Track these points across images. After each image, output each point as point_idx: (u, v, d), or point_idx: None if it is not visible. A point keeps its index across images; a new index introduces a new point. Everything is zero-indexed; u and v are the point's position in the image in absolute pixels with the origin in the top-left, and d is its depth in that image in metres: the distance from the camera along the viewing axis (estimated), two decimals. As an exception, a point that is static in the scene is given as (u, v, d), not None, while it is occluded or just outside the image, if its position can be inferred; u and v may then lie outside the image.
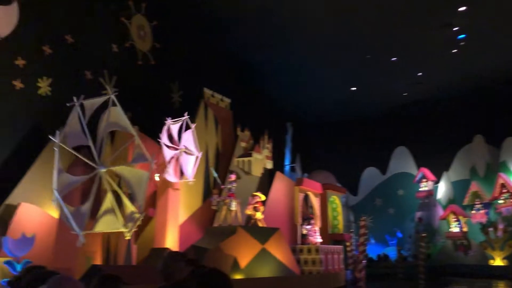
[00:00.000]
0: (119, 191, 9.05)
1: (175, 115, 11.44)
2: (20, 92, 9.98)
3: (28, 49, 10.22)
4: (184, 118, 11.20)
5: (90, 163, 8.59)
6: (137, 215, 8.67)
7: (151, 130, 11.80)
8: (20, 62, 10.03)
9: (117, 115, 8.86)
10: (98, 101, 8.85)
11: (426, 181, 21.25)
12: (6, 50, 9.62)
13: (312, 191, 13.85)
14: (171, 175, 10.62)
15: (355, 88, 20.52)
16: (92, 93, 9.23)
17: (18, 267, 6.92)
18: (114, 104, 8.86)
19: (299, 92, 19.78)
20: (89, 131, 8.70)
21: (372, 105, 21.75)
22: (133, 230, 8.60)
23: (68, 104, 8.38)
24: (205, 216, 12.54)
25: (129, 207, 8.77)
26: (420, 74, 19.23)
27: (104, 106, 9.04)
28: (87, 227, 7.81)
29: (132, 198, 8.96)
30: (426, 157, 21.83)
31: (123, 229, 8.42)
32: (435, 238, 19.58)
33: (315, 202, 13.92)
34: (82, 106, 8.65)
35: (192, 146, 11.27)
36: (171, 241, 10.51)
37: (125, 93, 9.94)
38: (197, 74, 15.32)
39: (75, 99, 8.65)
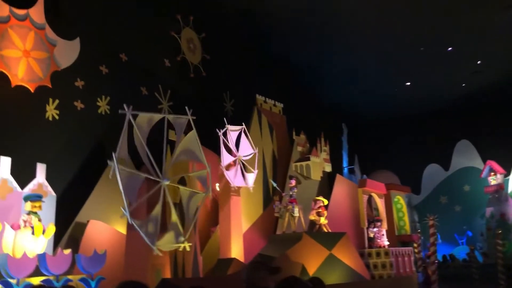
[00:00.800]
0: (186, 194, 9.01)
1: (229, 124, 11.39)
2: (81, 112, 10.25)
3: (86, 70, 10.50)
4: (240, 127, 11.18)
5: (153, 177, 8.63)
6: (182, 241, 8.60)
7: (207, 141, 11.83)
8: (79, 83, 10.32)
9: (191, 142, 8.87)
10: (156, 117, 8.88)
11: (495, 175, 20.01)
12: (66, 72, 9.91)
13: (376, 192, 13.34)
14: (232, 182, 10.56)
15: (409, 83, 19.77)
16: (148, 108, 9.32)
17: (93, 284, 6.99)
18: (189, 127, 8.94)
19: (352, 92, 19.30)
20: (146, 143, 8.77)
21: (429, 99, 20.85)
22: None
23: (120, 111, 8.39)
24: (267, 224, 12.37)
25: (194, 202, 8.74)
26: (479, 62, 18.23)
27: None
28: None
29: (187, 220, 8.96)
30: (492, 149, 20.62)
31: (186, 244, 8.39)
32: (510, 234, 18.38)
33: (380, 203, 13.39)
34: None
35: (248, 151, 11.22)
36: (236, 251, 10.39)
37: (179, 105, 10.00)
38: (248, 82, 15.28)
39: (125, 107, 8.67)
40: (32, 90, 9.02)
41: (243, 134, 11.29)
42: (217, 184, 11.35)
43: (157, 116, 8.74)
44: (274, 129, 13.88)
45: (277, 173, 13.31)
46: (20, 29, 8.87)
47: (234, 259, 9.82)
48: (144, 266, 8.20)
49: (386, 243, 12.34)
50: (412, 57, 17.37)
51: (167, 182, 8.64)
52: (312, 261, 10.07)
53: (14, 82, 8.73)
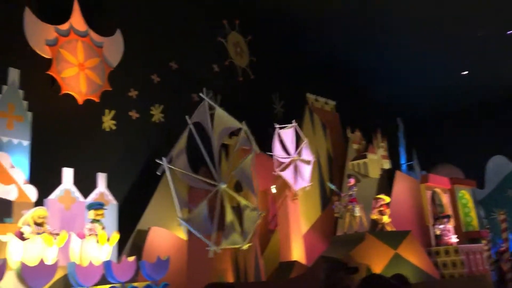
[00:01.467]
0: (241, 204, 8.94)
1: (280, 125, 11.21)
2: (136, 122, 10.41)
3: (138, 80, 10.69)
4: (292, 125, 10.97)
5: (210, 181, 8.59)
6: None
7: (259, 143, 11.70)
8: (133, 93, 10.49)
9: (221, 118, 8.81)
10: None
11: None
12: (120, 83, 10.09)
13: (440, 187, 12.68)
14: (289, 183, 10.36)
15: (467, 72, 18.76)
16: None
17: (158, 290, 6.97)
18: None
19: (406, 85, 18.56)
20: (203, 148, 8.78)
21: (489, 88, 19.67)
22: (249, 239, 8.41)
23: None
24: (326, 225, 12.03)
25: (250, 219, 8.64)
26: (543, 44, 17.00)
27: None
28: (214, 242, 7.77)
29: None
30: (562, 137, 19.21)
31: (244, 245, 8.28)
32: None
33: (445, 199, 12.72)
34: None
35: (305, 152, 10.97)
36: (297, 253, 10.14)
37: (230, 110, 9.94)
38: (297, 81, 15.03)
39: (187, 119, 8.74)
40: (97, 100, 9.26)
41: (296, 134, 11.07)
42: (273, 187, 11.16)
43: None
44: (327, 128, 13.53)
45: (333, 173, 12.95)
46: (69, 45, 9.09)
47: (296, 261, 9.58)
48: (206, 271, 8.12)
49: (455, 240, 11.67)
50: (468, 44, 16.46)
51: (224, 186, 8.57)
52: (377, 261, 9.65)
53: (81, 99, 8.99)
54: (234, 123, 8.89)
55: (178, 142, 8.66)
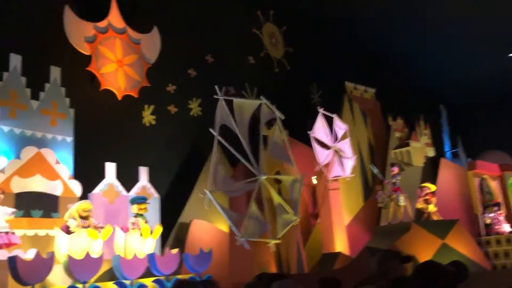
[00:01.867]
0: (279, 199, 8.82)
1: (319, 116, 10.99)
2: (175, 116, 10.46)
3: (175, 75, 10.72)
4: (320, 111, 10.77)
5: (250, 180, 8.48)
6: (294, 220, 8.36)
7: (298, 135, 11.57)
8: (171, 88, 10.54)
9: (240, 107, 8.66)
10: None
11: None
12: (158, 79, 10.16)
13: (489, 174, 12.13)
14: (330, 174, 10.16)
15: (513, 54, 17.86)
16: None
17: (201, 282, 6.97)
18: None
19: (448, 70, 17.87)
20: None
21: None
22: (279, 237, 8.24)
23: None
24: (369, 216, 11.75)
25: (289, 214, 8.49)
26: None
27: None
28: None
29: (292, 205, 8.71)
30: None
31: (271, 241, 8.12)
32: None
33: (494, 186, 12.16)
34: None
35: (344, 143, 10.73)
36: (340, 245, 9.95)
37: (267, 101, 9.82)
38: (335, 70, 14.71)
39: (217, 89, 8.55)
40: (136, 95, 9.35)
41: (336, 123, 10.84)
42: (313, 177, 11.00)
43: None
44: (368, 116, 13.20)
45: (374, 162, 12.61)
46: (107, 42, 9.20)
47: (339, 253, 9.40)
48: (249, 263, 8.08)
49: (507, 229, 11.13)
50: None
51: (264, 177, 8.45)
52: (423, 251, 9.32)
53: (120, 94, 9.11)
54: (253, 103, 8.66)
55: (211, 161, 8.40)
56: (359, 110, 13.10)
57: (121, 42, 9.45)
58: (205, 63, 11.69)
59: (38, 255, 5.21)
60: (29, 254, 5.46)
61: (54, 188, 7.18)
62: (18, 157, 6.91)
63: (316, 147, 10.24)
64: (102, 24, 9.23)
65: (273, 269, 8.51)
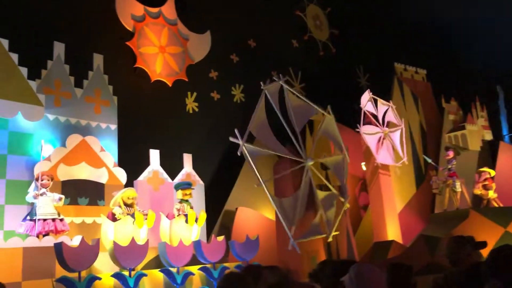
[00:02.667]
0: (329, 185, 8.48)
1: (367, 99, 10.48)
2: (218, 103, 10.27)
3: (218, 61, 10.52)
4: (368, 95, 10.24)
5: (296, 157, 8.19)
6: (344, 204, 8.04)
7: (345, 119, 11.14)
8: (213, 74, 10.35)
9: (330, 125, 8.34)
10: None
11: None
12: (201, 65, 9.99)
13: (553, 157, 11.25)
14: (380, 159, 9.67)
15: None
16: (281, 91, 8.86)
17: (249, 271, 6.75)
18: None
19: (505, 48, 16.74)
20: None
21: None
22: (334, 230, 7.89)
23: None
24: (422, 203, 11.16)
25: (334, 206, 8.15)
26: None
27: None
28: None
29: (341, 191, 8.34)
30: None
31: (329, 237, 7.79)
32: None
33: (561, 169, 11.26)
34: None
35: (394, 127, 10.21)
36: (393, 233, 9.48)
37: (311, 86, 9.45)
38: (383, 51, 14.06)
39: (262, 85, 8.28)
40: (170, 84, 9.23)
41: (388, 110, 10.32)
42: (363, 163, 10.54)
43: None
44: (419, 98, 12.52)
45: (427, 147, 11.98)
46: (154, 27, 9.11)
47: (393, 241, 8.94)
48: (298, 253, 7.79)
49: None
50: None
51: (311, 163, 8.12)
52: (484, 240, 8.73)
53: (153, 77, 9.00)
54: (340, 141, 8.31)
55: (254, 114, 8.17)
56: (410, 92, 12.44)
57: (169, 32, 9.38)
58: (248, 48, 11.44)
59: (83, 241, 5.13)
60: (75, 241, 5.41)
61: (100, 175, 7.15)
62: (63, 145, 6.91)
63: (370, 142, 9.72)
64: (154, 10, 9.20)
65: (322, 257, 8.18)
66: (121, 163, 7.53)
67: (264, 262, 7.36)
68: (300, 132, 8.58)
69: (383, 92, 11.25)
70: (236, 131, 7.70)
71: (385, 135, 10.02)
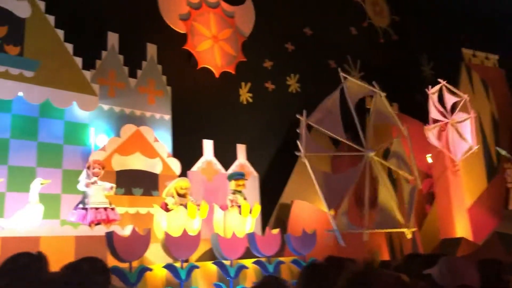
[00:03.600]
0: (400, 172, 7.93)
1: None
2: (273, 93, 9.96)
3: (272, 50, 10.21)
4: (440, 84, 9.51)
5: (356, 146, 7.73)
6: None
7: (408, 109, 10.51)
8: (267, 64, 10.06)
9: (382, 104, 7.85)
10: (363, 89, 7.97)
11: None
12: (255, 55, 9.72)
13: None
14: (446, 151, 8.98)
15: None
16: (339, 81, 8.41)
17: (305, 266, 6.39)
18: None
19: None
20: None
21: None
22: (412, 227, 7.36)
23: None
24: (495, 198, 10.26)
25: (406, 195, 7.59)
26: None
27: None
28: (367, 224, 6.89)
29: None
30: None
31: (404, 229, 7.26)
32: None
33: None
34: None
35: (461, 114, 9.45)
36: (462, 229, 8.77)
37: (371, 76, 8.92)
38: (449, 37, 13.15)
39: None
40: (233, 72, 9.04)
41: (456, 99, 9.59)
42: (428, 156, 9.85)
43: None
44: (490, 86, 11.55)
45: (500, 138, 11.02)
46: (201, 18, 8.94)
47: (462, 238, 8.26)
48: (358, 247, 7.33)
49: None
50: None
51: (372, 153, 7.62)
52: None
53: (218, 72, 8.84)
54: (395, 119, 7.82)
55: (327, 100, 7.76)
56: (479, 80, 11.51)
57: (215, 17, 9.15)
58: (304, 36, 11.03)
59: (134, 231, 5.01)
60: (127, 231, 5.30)
61: (154, 166, 7.07)
62: (118, 135, 6.88)
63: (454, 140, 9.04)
64: (195, 0, 9.00)
65: (385, 253, 7.69)
66: (175, 153, 7.42)
67: (322, 257, 6.98)
68: (361, 122, 8.15)
69: (449, 81, 10.47)
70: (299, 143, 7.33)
71: (452, 125, 9.29)
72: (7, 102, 6.07)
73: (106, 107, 7.01)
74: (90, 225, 5.44)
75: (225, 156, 7.74)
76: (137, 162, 6.92)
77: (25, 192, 6.00)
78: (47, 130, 6.39)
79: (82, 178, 5.74)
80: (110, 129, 6.97)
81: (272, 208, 8.53)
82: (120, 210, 6.58)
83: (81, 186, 5.64)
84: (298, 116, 7.18)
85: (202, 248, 6.57)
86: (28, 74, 6.02)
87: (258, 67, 9.90)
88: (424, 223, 9.60)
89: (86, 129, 6.76)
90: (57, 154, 6.41)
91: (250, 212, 6.50)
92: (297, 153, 6.87)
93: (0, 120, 6.02)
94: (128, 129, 6.94)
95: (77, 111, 6.63)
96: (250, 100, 9.49)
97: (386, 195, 7.36)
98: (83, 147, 6.64)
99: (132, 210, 6.74)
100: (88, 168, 5.78)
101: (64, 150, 6.46)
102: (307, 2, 11.22)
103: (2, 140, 6.01)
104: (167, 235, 5.31)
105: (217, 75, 8.82)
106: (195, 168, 7.32)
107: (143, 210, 6.81)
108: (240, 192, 6.66)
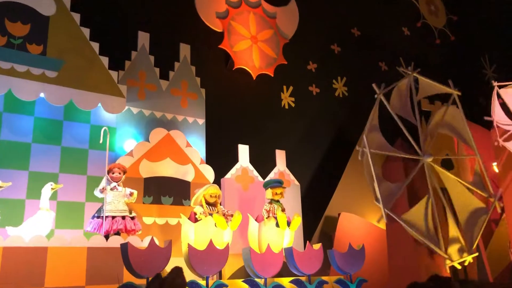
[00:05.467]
0: (462, 187, 7.03)
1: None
2: (317, 97, 9.24)
3: (316, 52, 9.53)
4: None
5: (410, 156, 6.86)
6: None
7: (468, 114, 9.45)
8: (312, 66, 9.37)
9: (455, 118, 7.04)
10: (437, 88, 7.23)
11: None
12: (298, 56, 9.08)
13: None
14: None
15: None
16: (388, 84, 7.62)
17: (352, 287, 5.57)
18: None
19: None
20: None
21: None
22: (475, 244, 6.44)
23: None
24: None
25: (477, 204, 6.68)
26: None
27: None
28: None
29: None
30: None
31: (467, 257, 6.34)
32: None
33: None
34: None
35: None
36: (538, 249, 7.58)
37: (428, 77, 8.03)
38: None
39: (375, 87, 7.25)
40: (272, 74, 8.44)
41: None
42: (494, 164, 8.73)
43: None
44: None
45: None
46: (240, 17, 8.41)
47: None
48: (413, 268, 6.42)
49: None
50: None
51: (429, 159, 6.74)
52: None
53: (255, 73, 8.27)
54: (469, 139, 7.05)
55: (369, 120, 7.15)
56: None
57: (255, 17, 8.59)
58: (351, 37, 10.27)
59: (153, 243, 4.43)
60: (145, 243, 4.74)
61: (185, 173, 6.52)
62: (147, 139, 6.40)
63: (498, 121, 8.02)
64: None
65: (445, 275, 6.68)
66: (209, 159, 6.85)
67: (372, 278, 6.13)
68: (412, 126, 7.34)
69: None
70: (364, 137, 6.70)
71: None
72: (29, 104, 5.75)
73: (135, 110, 6.57)
74: (106, 236, 4.90)
75: (263, 163, 7.07)
76: (167, 168, 6.39)
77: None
78: (71, 134, 6.01)
79: (102, 184, 5.25)
80: (139, 133, 6.51)
81: (316, 221, 7.75)
82: (147, 220, 6.09)
83: (96, 192, 5.14)
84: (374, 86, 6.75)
85: (236, 265, 5.94)
86: (51, 74, 5.68)
87: (301, 70, 9.24)
88: (491, 241, 8.46)
89: (113, 133, 6.33)
90: (82, 159, 6.00)
91: (289, 225, 5.79)
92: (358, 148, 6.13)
93: (22, 123, 5.69)
94: (158, 133, 6.44)
95: (104, 114, 6.23)
96: (292, 104, 8.81)
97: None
98: (110, 152, 6.20)
99: (161, 221, 6.20)
100: (108, 172, 5.29)
101: (89, 155, 6.05)
102: (354, 2, 10.49)
103: (24, 144, 5.67)
104: (190, 248, 4.69)
105: (254, 77, 8.22)
106: (229, 175, 6.70)
107: (173, 221, 6.25)
108: (277, 201, 5.97)
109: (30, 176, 5.59)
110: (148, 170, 6.27)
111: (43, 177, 5.65)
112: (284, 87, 8.84)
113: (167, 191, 6.36)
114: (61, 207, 5.72)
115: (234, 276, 5.83)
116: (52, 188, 4.94)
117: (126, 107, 6.41)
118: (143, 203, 6.12)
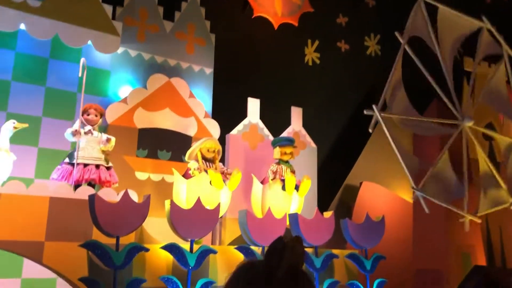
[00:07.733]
0: (490, 165, 5.98)
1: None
2: (346, 55, 8.28)
3: (349, 4, 8.52)
4: None
5: (446, 121, 5.87)
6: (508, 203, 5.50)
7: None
8: (342, 20, 8.38)
9: (448, 22, 5.91)
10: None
11: None
12: (325, 7, 8.09)
13: None
14: None
15: None
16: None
17: (367, 264, 4.77)
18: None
19: None
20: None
21: None
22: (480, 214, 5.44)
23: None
24: None
25: (502, 191, 5.64)
26: None
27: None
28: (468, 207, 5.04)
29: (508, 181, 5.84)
30: None
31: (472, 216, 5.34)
32: None
33: None
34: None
35: None
36: None
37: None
38: None
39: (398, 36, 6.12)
40: (296, 24, 7.52)
41: None
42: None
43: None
44: None
45: None
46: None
47: None
48: (443, 247, 5.55)
49: None
50: None
51: (469, 123, 5.74)
52: None
53: (277, 22, 7.38)
54: (471, 23, 5.90)
55: (390, 76, 6.08)
56: None
57: (278, -42, 7.64)
58: (389, -12, 9.16)
59: (126, 196, 3.73)
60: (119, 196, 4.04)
61: (187, 126, 5.80)
62: (144, 86, 5.68)
63: None
64: None
65: (480, 259, 5.78)
66: (215, 114, 6.10)
67: (392, 255, 5.31)
68: (454, 87, 6.29)
69: None
70: (374, 107, 5.59)
71: None
72: (10, 36, 5.09)
73: (133, 52, 5.85)
74: (75, 186, 4.23)
75: (276, 120, 6.26)
76: (165, 120, 5.68)
77: (27, 145, 5.06)
78: (58, 74, 5.35)
79: (75, 125, 4.54)
80: (136, 79, 5.80)
81: (334, 189, 6.93)
82: (141, 175, 5.44)
83: (67, 135, 4.44)
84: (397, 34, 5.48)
85: (238, 231, 5.22)
86: (34, 3, 5.00)
87: (329, 23, 8.27)
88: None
89: (107, 77, 5.64)
90: (69, 103, 5.36)
91: (297, 189, 5.00)
92: (366, 112, 5.11)
93: (0, 58, 5.05)
94: (157, 80, 5.70)
95: (97, 55, 5.53)
96: (317, 60, 7.90)
97: (486, 168, 5.48)
98: (102, 98, 5.53)
99: (156, 177, 5.53)
100: (83, 113, 4.59)
101: (77, 100, 5.38)
102: None
103: (2, 82, 5.06)
104: (172, 205, 3.98)
105: (276, 26, 7.32)
106: (235, 131, 5.92)
107: (169, 178, 5.55)
108: (286, 162, 5.18)
109: (9, 118, 4.96)
110: (144, 120, 5.57)
111: (23, 120, 4.97)
112: (309, 41, 7.92)
113: (165, 145, 5.66)
114: (43, 154, 5.12)
115: (234, 243, 5.13)
116: (14, 127, 4.29)
117: (123, 49, 5.72)
118: (137, 156, 5.45)
